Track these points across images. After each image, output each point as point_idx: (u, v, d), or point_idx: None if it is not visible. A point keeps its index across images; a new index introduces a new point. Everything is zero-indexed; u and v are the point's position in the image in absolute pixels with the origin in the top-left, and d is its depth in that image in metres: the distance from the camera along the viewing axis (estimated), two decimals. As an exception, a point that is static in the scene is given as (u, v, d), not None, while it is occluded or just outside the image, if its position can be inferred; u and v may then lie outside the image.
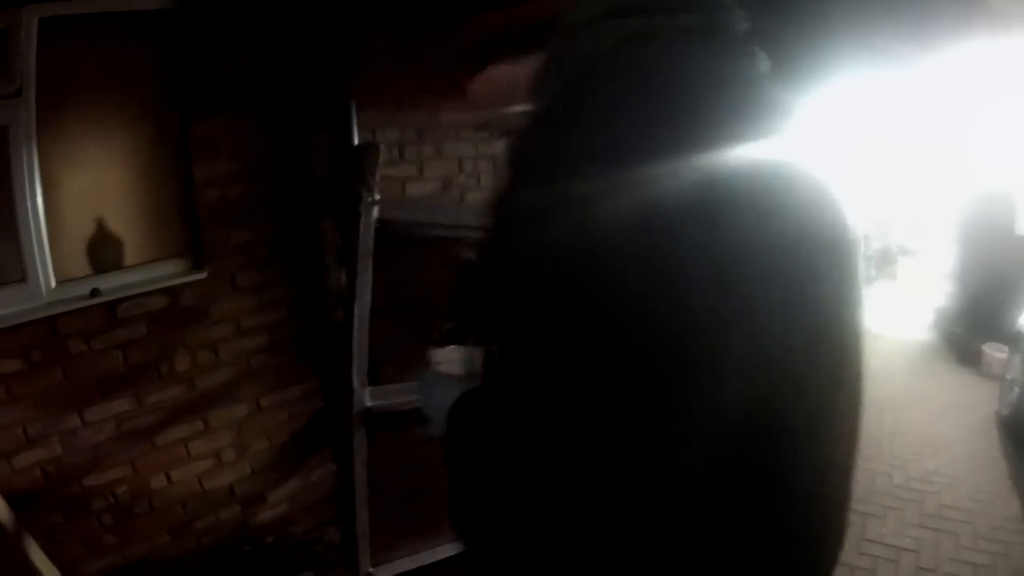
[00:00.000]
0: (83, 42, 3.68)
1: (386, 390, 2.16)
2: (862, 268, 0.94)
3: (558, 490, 0.78)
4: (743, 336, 0.76)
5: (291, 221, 4.43)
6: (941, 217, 10.20)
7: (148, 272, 4.01)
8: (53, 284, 3.67)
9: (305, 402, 4.73)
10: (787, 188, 0.80)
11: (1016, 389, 6.34)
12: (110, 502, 3.94)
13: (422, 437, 2.30)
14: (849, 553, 3.85)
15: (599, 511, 0.77)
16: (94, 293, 3.72)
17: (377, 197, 1.86)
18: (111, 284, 3.83)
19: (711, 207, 0.73)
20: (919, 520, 4.77)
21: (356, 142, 4.27)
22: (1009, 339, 6.94)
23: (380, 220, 1.90)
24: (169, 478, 4.17)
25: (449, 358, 1.38)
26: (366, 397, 2.07)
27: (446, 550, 2.79)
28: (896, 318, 10.06)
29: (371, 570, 2.27)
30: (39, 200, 3.57)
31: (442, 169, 5.05)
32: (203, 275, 4.09)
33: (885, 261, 12.79)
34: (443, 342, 1.46)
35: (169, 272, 4.08)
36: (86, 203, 3.84)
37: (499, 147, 5.35)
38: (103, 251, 3.91)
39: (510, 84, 1.05)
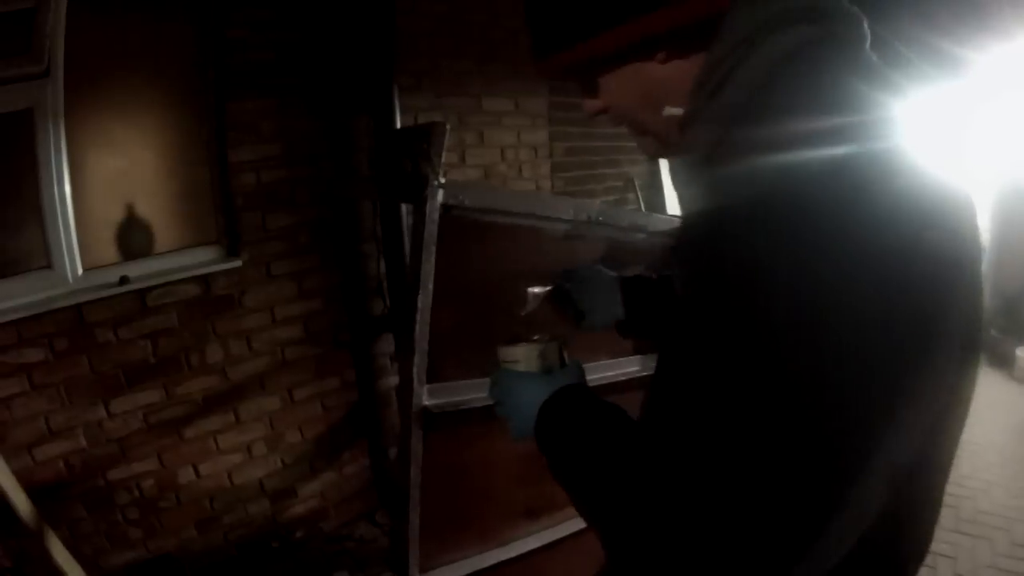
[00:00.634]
0: (114, 19, 3.44)
1: (444, 388, 1.89)
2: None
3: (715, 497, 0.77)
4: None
5: (329, 207, 4.24)
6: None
7: (180, 259, 3.77)
8: (80, 271, 3.44)
9: (340, 394, 4.49)
10: (937, 194, 0.79)
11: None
12: (135, 496, 3.71)
13: (477, 436, 2.18)
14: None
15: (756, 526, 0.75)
16: (123, 281, 3.49)
17: (443, 180, 1.58)
18: (141, 271, 3.60)
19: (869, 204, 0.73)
20: (955, 525, 4.50)
21: (398, 126, 4.06)
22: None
23: (444, 205, 1.60)
24: (197, 472, 3.95)
25: (521, 355, 1.27)
26: (424, 395, 1.79)
27: (497, 555, 2.47)
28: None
29: None
30: (66, 184, 3.34)
31: (484, 157, 4.90)
32: (237, 263, 3.88)
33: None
34: (513, 339, 1.34)
35: (202, 259, 3.84)
36: (116, 187, 3.60)
37: (541, 136, 5.24)
38: (133, 237, 3.66)
39: (649, 81, 1.04)
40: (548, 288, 1.73)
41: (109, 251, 3.60)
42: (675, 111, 1.01)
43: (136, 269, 3.60)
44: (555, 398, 1.14)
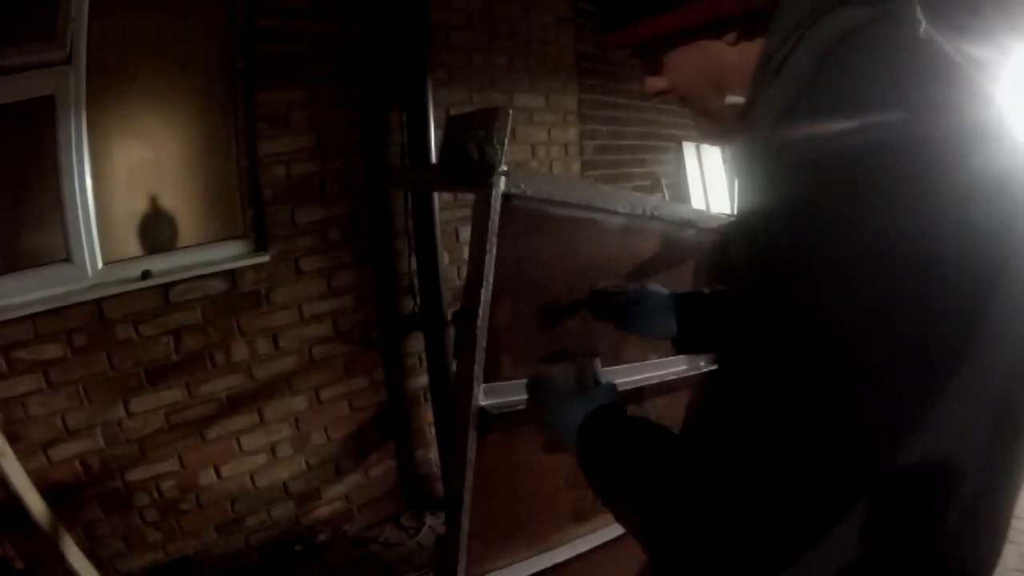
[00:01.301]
0: (140, 5, 3.24)
1: (499, 387, 1.83)
2: None
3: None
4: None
5: (361, 202, 4.01)
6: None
7: (205, 254, 3.55)
8: (100, 265, 3.23)
9: (368, 394, 4.25)
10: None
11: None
12: (154, 498, 3.50)
13: (530, 437, 1.94)
14: None
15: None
16: (145, 275, 3.28)
17: (505, 168, 1.50)
18: (164, 266, 3.39)
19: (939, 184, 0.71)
20: (1018, 564, 4.14)
21: (432, 120, 3.92)
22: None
23: (505, 194, 1.63)
24: (219, 473, 3.71)
25: (558, 374, 1.29)
26: (480, 395, 1.56)
27: (543, 561, 2.33)
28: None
29: None
30: (87, 174, 3.14)
31: (515, 154, 4.72)
32: (265, 258, 3.65)
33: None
34: (550, 356, 1.35)
35: (228, 254, 3.61)
36: (139, 178, 3.40)
37: (572, 134, 5.11)
38: (156, 230, 3.45)
39: (717, 63, 0.99)
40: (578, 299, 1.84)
41: (131, 244, 3.39)
42: (737, 99, 0.99)
43: (159, 263, 3.38)
44: (592, 419, 1.16)
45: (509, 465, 2.10)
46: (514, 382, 1.93)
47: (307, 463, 4.05)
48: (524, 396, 1.92)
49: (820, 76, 0.86)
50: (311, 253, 3.84)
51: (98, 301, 3.16)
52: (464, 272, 4.20)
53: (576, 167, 5.32)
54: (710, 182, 7.15)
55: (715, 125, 1.09)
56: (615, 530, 2.43)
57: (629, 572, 2.66)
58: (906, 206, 0.69)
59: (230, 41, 3.48)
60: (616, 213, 2.08)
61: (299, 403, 3.94)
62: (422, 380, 4.43)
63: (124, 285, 3.22)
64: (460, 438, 1.86)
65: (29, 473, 2.71)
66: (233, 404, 3.69)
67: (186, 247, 3.51)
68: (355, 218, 3.98)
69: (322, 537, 4.13)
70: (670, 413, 2.54)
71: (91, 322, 3.15)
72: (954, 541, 0.83)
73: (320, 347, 3.97)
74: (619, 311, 1.70)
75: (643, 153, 6.22)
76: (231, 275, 3.56)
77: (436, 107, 3.97)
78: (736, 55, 0.97)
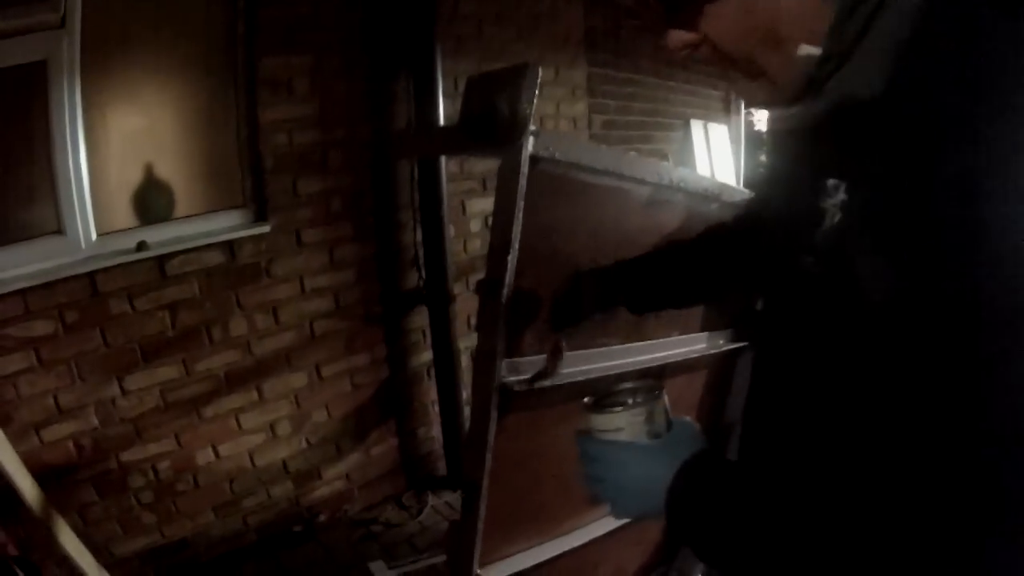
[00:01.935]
0: None
1: (521, 363, 1.78)
2: None
3: None
4: None
5: (365, 172, 3.88)
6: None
7: (203, 224, 3.41)
8: (94, 236, 3.11)
9: (370, 371, 4.13)
10: None
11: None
12: (150, 479, 3.38)
13: (550, 417, 1.96)
14: None
15: None
16: (140, 247, 3.15)
17: (534, 128, 1.44)
18: (160, 237, 3.25)
19: None
20: None
21: (440, 90, 3.79)
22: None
23: (533, 156, 1.52)
24: (216, 453, 3.60)
25: (625, 423, 1.00)
26: (502, 370, 1.59)
27: (557, 546, 2.23)
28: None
29: (479, 572, 1.81)
30: (81, 143, 3.01)
31: None
32: (265, 229, 3.51)
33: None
34: (602, 400, 1.07)
35: (227, 225, 3.48)
36: (135, 147, 3.26)
37: (580, 108, 5.04)
38: (152, 200, 3.30)
39: (772, 11, 0.82)
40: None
41: (126, 215, 3.25)
42: (811, 50, 0.81)
43: (155, 234, 3.25)
44: (685, 476, 0.93)
45: (531, 447, 2.00)
46: (536, 358, 1.80)
47: (307, 442, 3.93)
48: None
49: (919, 38, 0.70)
50: (313, 224, 3.71)
51: (91, 274, 3.02)
52: (470, 246, 4.14)
53: (584, 142, 5.13)
54: (717, 160, 7.06)
55: (765, 86, 0.91)
56: (624, 516, 2.35)
57: (642, 556, 2.61)
58: None
59: (231, 4, 3.32)
60: (643, 182, 1.96)
61: (299, 380, 3.82)
62: (426, 356, 4.31)
63: (118, 257, 3.08)
64: (480, 418, 1.74)
65: (21, 455, 2.64)
66: (231, 381, 3.56)
67: (183, 218, 3.38)
68: (358, 189, 3.84)
69: (322, 518, 4.03)
70: (688, 393, 2.47)
71: (84, 297, 3.02)
72: None
73: (321, 322, 3.84)
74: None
75: (651, 130, 6.13)
76: (230, 247, 3.42)
77: (444, 77, 3.83)
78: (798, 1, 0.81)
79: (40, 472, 2.82)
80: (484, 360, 1.69)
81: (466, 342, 4.28)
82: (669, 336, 2.26)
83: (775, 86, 0.89)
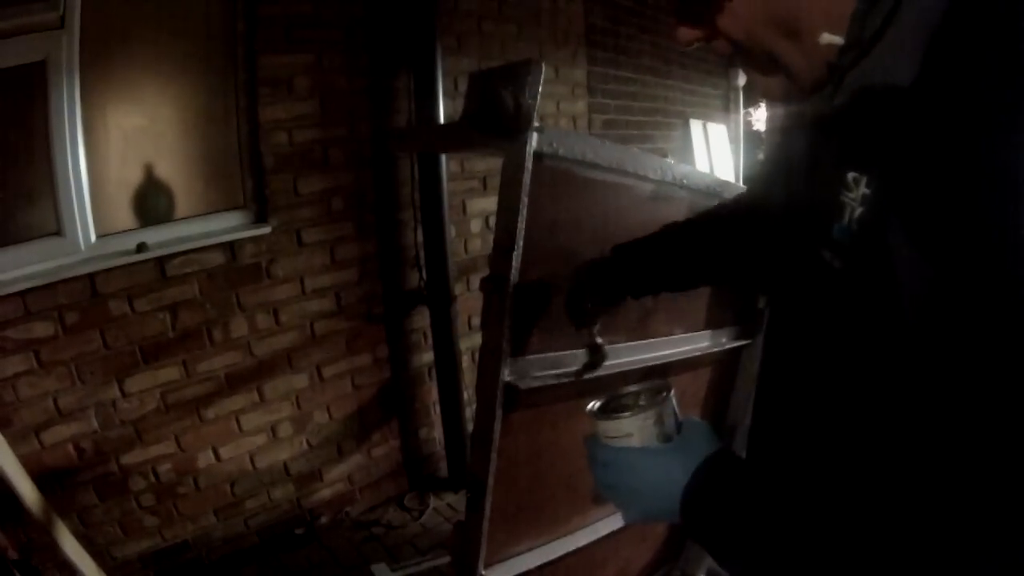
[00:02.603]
0: None
1: (526, 362, 1.79)
2: None
3: None
4: None
5: (366, 171, 3.86)
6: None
7: (203, 225, 3.39)
8: (93, 238, 3.09)
9: (372, 372, 4.11)
10: None
11: None
12: (151, 481, 3.36)
13: (555, 415, 1.97)
14: None
15: None
16: (140, 248, 3.13)
17: (538, 123, 1.50)
18: (160, 238, 3.23)
19: None
20: None
21: (440, 88, 3.78)
22: None
23: (536, 153, 1.54)
24: (217, 455, 3.57)
25: (635, 429, 0.97)
26: (506, 369, 1.68)
27: (562, 546, 2.25)
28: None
29: (484, 572, 1.99)
30: (80, 143, 2.99)
31: None
32: (266, 229, 3.49)
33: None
34: (610, 404, 1.04)
35: (227, 225, 3.46)
36: (134, 147, 3.22)
37: (580, 107, 5.05)
38: (152, 201, 3.28)
39: (778, 11, 0.80)
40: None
41: (126, 216, 3.23)
42: (833, 38, 0.78)
43: (155, 235, 3.22)
44: (702, 478, 0.90)
45: (531, 445, 1.99)
46: (540, 356, 1.82)
47: (308, 443, 3.91)
48: (553, 371, 1.86)
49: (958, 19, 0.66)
50: (313, 224, 3.68)
51: (91, 276, 3.00)
52: (471, 246, 4.13)
53: (584, 141, 5.16)
54: (716, 159, 7.07)
55: (782, 81, 0.88)
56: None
57: (648, 554, 2.62)
58: None
59: (231, 2, 3.30)
60: (646, 179, 1.97)
61: (300, 381, 3.80)
62: (427, 357, 4.29)
63: (118, 258, 3.06)
64: (484, 416, 1.75)
65: (21, 458, 2.61)
66: (232, 382, 3.54)
67: (183, 218, 3.36)
68: (359, 188, 3.82)
69: (323, 520, 4.01)
70: (692, 390, 2.47)
71: (83, 298, 3.00)
72: None
73: (322, 322, 3.82)
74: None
75: (650, 129, 6.13)
76: (230, 247, 3.39)
77: (444, 75, 3.82)
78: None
79: (40, 475, 2.81)
80: (489, 357, 1.68)
81: (467, 342, 4.27)
82: (673, 334, 2.25)
83: (793, 79, 0.86)
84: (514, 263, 1.56)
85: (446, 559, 3.53)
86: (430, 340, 4.21)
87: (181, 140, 3.36)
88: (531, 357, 1.79)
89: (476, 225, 4.36)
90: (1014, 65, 0.61)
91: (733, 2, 0.82)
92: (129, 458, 3.25)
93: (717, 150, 7.14)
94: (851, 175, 0.75)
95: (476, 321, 4.40)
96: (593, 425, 1.02)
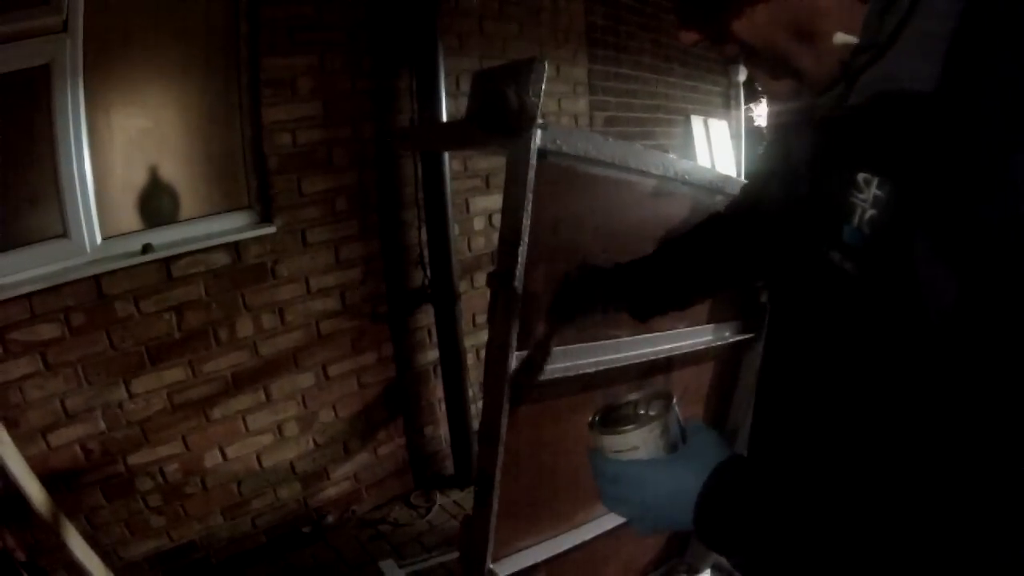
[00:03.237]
0: None
1: (531, 357, 1.76)
2: None
3: None
4: None
5: (369, 171, 3.85)
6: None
7: (208, 226, 3.39)
8: (99, 240, 3.08)
9: (377, 370, 4.10)
10: None
11: None
12: (158, 482, 3.35)
13: (562, 409, 1.99)
14: None
15: None
16: (146, 249, 3.13)
17: (542, 121, 1.51)
18: (165, 239, 3.23)
19: None
20: None
21: (443, 87, 3.77)
22: None
23: (541, 150, 1.55)
24: (224, 455, 3.57)
25: (641, 441, 0.94)
26: (514, 363, 1.71)
27: (568, 540, 2.25)
28: None
29: (491, 566, 1.98)
30: (85, 146, 2.98)
31: None
32: (270, 229, 3.49)
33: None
34: (611, 415, 1.02)
35: (232, 226, 3.45)
36: (139, 149, 3.23)
37: (582, 105, 5.06)
38: (157, 202, 3.27)
39: (792, 14, 0.78)
40: None
41: (131, 218, 3.22)
42: (847, 38, 0.77)
43: (160, 237, 3.22)
44: (715, 487, 0.88)
45: (538, 440, 2.01)
46: (555, 350, 1.78)
47: (314, 442, 3.90)
48: (560, 364, 1.87)
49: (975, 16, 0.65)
50: (318, 224, 3.68)
51: (97, 277, 3.00)
52: (475, 244, 4.12)
53: (586, 139, 5.16)
54: (717, 155, 7.06)
55: (791, 84, 0.87)
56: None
57: (653, 550, 2.62)
58: None
59: (233, 3, 3.30)
60: (649, 175, 1.97)
61: (306, 380, 3.80)
62: (432, 355, 4.29)
63: (124, 260, 3.06)
64: (492, 410, 1.75)
65: (28, 460, 2.61)
66: (238, 382, 3.53)
67: (188, 219, 3.35)
68: (363, 188, 3.82)
69: (330, 518, 4.00)
70: (694, 387, 2.48)
71: (89, 299, 2.99)
72: None
73: (327, 322, 3.82)
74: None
75: (652, 126, 6.13)
76: (235, 248, 3.39)
77: (446, 75, 3.81)
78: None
79: (48, 476, 2.80)
80: (496, 352, 1.69)
81: (472, 340, 4.27)
82: (676, 328, 2.27)
83: (802, 80, 0.85)
84: (520, 258, 1.57)
85: (453, 555, 3.53)
86: (435, 338, 4.20)
87: (185, 142, 3.35)
88: (537, 351, 1.80)
89: (479, 223, 4.36)
90: None
91: (754, 9, 0.80)
92: (136, 459, 3.24)
93: (719, 146, 7.14)
94: (862, 176, 0.75)
95: (480, 319, 4.41)
96: (595, 440, 0.99)
